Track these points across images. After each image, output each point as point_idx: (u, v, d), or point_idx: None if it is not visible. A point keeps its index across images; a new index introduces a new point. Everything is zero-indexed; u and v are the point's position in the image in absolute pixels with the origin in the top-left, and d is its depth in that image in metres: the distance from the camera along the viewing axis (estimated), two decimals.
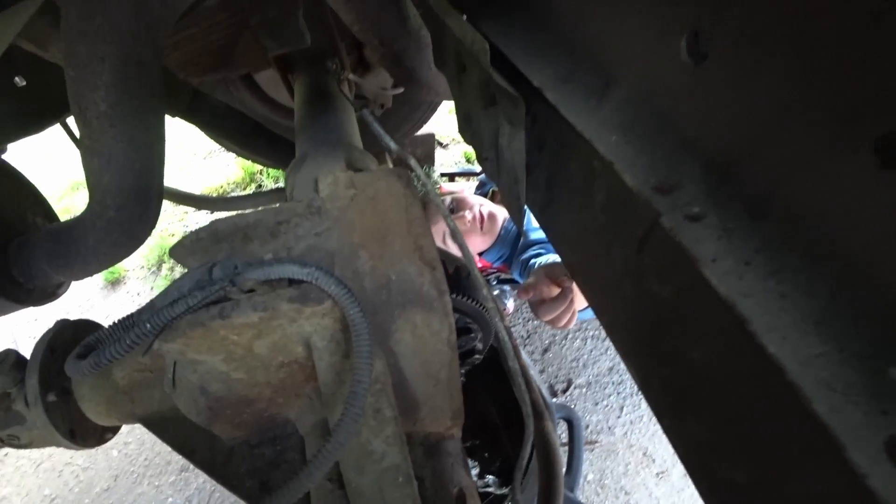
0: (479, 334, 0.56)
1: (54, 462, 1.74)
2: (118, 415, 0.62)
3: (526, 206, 0.62)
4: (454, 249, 1.46)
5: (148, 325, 0.32)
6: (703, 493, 0.36)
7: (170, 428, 0.59)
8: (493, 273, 1.83)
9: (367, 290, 0.37)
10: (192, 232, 0.40)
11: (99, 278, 2.30)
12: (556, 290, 1.08)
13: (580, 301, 1.25)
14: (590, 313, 1.45)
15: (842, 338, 0.22)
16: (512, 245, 1.71)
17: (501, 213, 1.74)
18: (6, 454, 1.79)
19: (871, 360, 0.22)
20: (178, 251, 0.40)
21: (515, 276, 1.69)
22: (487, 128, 0.61)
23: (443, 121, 2.91)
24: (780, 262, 0.25)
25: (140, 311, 0.35)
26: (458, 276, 0.54)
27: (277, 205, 0.40)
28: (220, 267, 0.36)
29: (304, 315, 0.34)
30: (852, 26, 0.20)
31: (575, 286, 1.19)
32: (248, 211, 0.40)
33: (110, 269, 2.27)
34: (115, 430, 0.71)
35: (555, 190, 0.53)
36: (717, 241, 0.26)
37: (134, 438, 1.72)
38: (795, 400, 0.24)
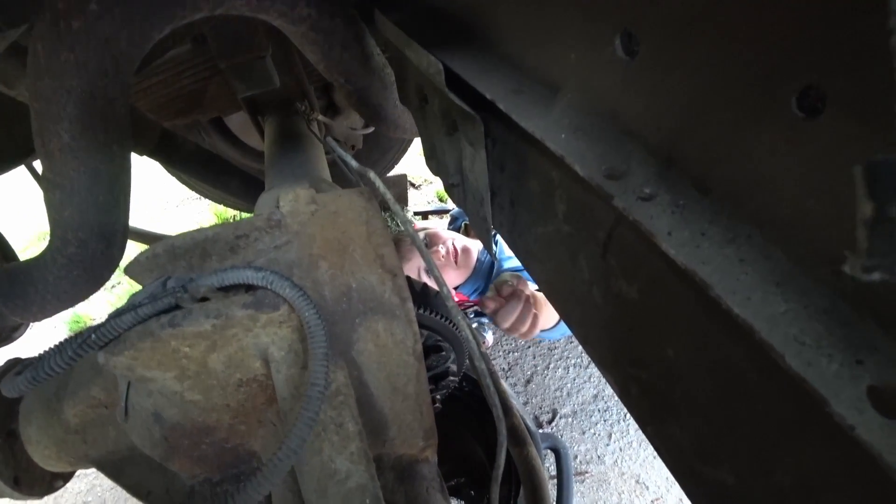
0: (452, 355, 0.55)
1: None
2: (69, 458, 0.58)
3: (496, 232, 0.63)
4: (430, 284, 1.46)
5: (93, 336, 0.31)
6: (692, 499, 0.35)
7: (124, 469, 0.56)
8: (470, 306, 1.82)
9: (326, 298, 0.36)
10: (148, 248, 0.39)
11: (64, 326, 2.21)
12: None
13: (547, 319, 1.25)
14: (558, 332, 1.47)
15: (804, 295, 0.22)
16: (486, 277, 1.71)
17: (476, 247, 1.75)
18: None
19: (835, 314, 0.21)
20: (134, 268, 0.39)
21: None
22: (451, 154, 0.63)
23: (414, 162, 2.98)
24: (734, 231, 0.26)
25: (90, 328, 0.34)
26: (425, 293, 0.53)
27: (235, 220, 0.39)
28: (175, 279, 0.35)
29: (259, 323, 0.33)
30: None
31: (540, 298, 1.20)
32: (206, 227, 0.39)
33: (75, 318, 2.18)
34: (66, 477, 0.66)
35: (518, 208, 0.54)
36: (670, 217, 0.27)
37: (94, 497, 1.60)
38: (769, 362, 0.24)
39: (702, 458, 0.33)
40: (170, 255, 0.38)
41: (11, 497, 0.59)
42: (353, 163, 0.49)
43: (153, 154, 0.95)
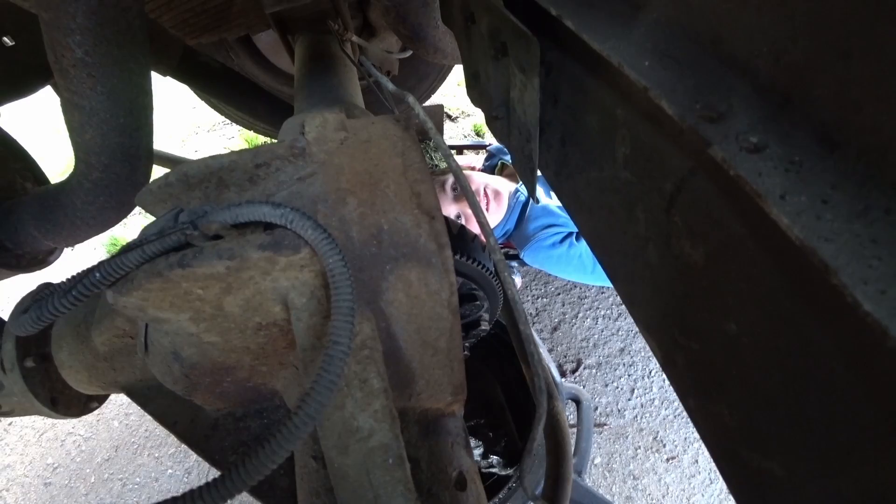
0: (486, 304, 0.51)
1: (57, 432, 1.74)
2: (100, 383, 0.59)
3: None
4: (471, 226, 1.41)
5: (97, 275, 0.28)
6: (730, 484, 0.32)
7: (152, 397, 0.56)
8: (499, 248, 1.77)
9: (354, 240, 0.32)
10: (160, 177, 0.35)
11: (102, 249, 2.28)
12: None
13: None
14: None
15: None
16: (517, 220, 1.66)
17: (507, 190, 1.68)
18: (10, 423, 1.80)
19: None
20: (146, 198, 0.36)
21: (522, 253, 1.64)
22: (497, 83, 0.56)
23: (451, 92, 2.83)
24: (866, 200, 0.20)
25: (95, 266, 0.31)
26: (463, 237, 0.49)
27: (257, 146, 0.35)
28: (188, 212, 0.31)
29: (278, 266, 0.29)
30: None
31: None
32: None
33: (112, 241, 2.25)
34: (100, 400, 0.68)
35: (570, 148, 0.49)
36: (784, 175, 0.21)
37: (135, 410, 1.71)
38: (865, 359, 0.20)
39: (749, 444, 0.30)
40: (183, 184, 0.34)
41: (49, 416, 0.61)
42: (390, 85, 0.44)
43: (175, 74, 0.90)
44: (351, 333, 0.26)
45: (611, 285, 1.70)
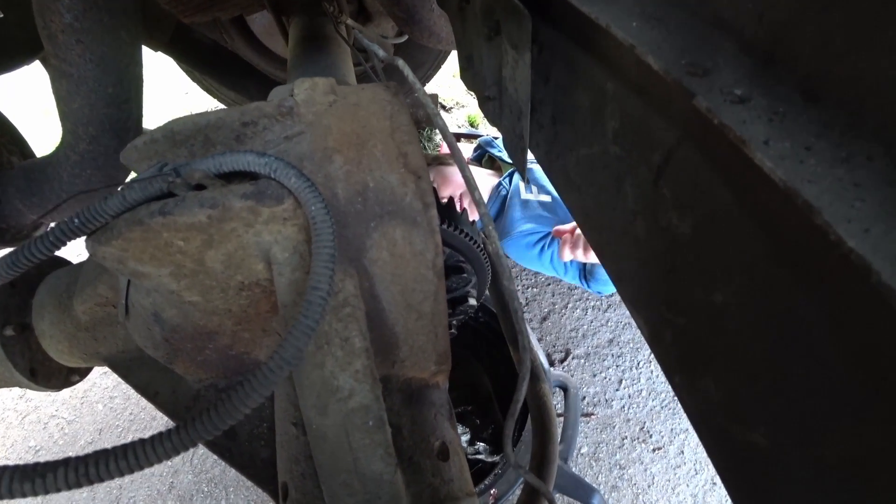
0: (473, 279, 0.51)
1: (40, 414, 1.72)
2: (81, 354, 0.58)
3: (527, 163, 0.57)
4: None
5: (76, 221, 0.27)
6: (716, 459, 0.32)
7: (134, 369, 0.55)
8: None
9: (338, 196, 0.32)
10: (146, 133, 0.35)
11: None
12: None
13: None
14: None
15: None
16: (497, 212, 1.67)
17: (487, 190, 1.69)
18: None
19: None
20: (131, 154, 0.35)
21: (502, 244, 1.64)
22: (490, 63, 0.56)
23: (446, 83, 2.83)
24: (848, 148, 0.20)
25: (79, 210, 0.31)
26: (451, 207, 0.48)
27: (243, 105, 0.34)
28: (172, 165, 0.31)
29: (261, 218, 0.29)
30: None
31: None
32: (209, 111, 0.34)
33: None
34: (82, 373, 0.67)
35: (560, 126, 0.49)
36: (767, 124, 0.21)
37: (119, 393, 1.70)
38: (846, 318, 0.20)
39: (734, 417, 0.30)
40: (169, 140, 0.34)
41: (29, 388, 0.60)
42: (381, 52, 0.43)
43: (167, 49, 0.89)
44: (331, 280, 0.26)
45: (581, 285, 1.72)
